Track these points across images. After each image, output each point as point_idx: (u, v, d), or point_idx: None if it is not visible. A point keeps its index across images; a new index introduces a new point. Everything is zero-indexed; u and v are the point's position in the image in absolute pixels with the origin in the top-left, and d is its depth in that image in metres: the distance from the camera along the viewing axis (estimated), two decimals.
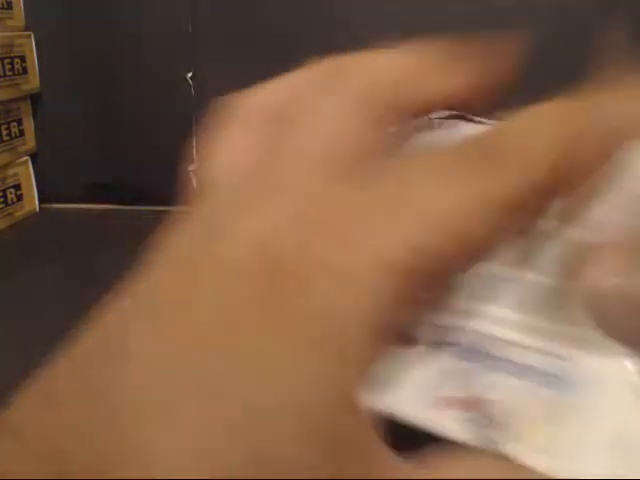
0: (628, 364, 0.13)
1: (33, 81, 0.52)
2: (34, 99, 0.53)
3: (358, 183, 0.11)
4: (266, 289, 0.10)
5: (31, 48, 0.51)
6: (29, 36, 0.51)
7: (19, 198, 0.51)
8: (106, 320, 0.10)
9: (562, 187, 0.11)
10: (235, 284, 0.10)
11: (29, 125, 0.53)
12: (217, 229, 0.11)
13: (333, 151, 0.11)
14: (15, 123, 0.50)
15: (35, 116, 0.53)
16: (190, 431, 0.09)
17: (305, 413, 0.10)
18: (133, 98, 0.53)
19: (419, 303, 0.11)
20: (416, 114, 0.13)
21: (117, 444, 0.09)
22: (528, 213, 0.11)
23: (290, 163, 0.11)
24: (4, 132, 0.49)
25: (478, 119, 0.43)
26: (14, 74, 0.49)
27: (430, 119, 0.18)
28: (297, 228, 0.10)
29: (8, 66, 0.48)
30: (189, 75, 0.52)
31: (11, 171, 0.50)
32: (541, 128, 0.11)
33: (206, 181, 0.12)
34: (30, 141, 0.53)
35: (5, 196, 0.49)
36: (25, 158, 0.52)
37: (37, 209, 0.53)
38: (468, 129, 0.19)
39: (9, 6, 0.49)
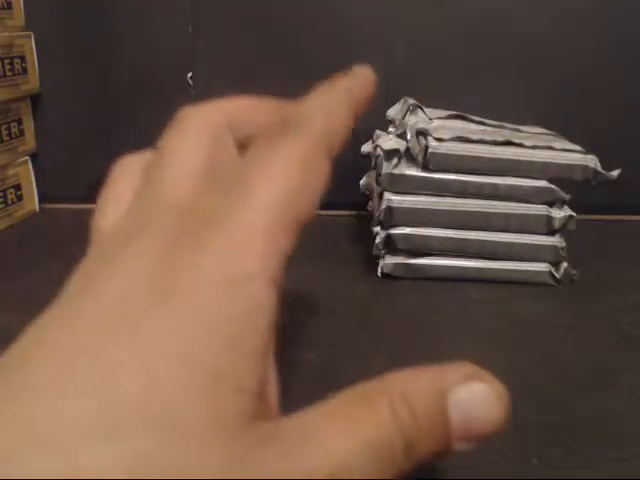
0: None
1: (33, 81, 0.52)
2: (34, 99, 0.53)
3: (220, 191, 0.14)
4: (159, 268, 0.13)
5: (31, 48, 0.51)
6: (29, 36, 0.51)
7: (19, 198, 0.51)
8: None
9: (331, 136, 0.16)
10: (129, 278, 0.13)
11: (29, 125, 0.53)
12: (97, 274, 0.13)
13: (184, 178, 0.15)
14: (15, 123, 0.50)
15: (35, 116, 0.53)
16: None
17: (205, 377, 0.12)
18: (133, 98, 0.53)
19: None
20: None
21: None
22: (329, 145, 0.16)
23: (147, 207, 0.15)
24: (4, 132, 0.49)
25: (478, 119, 0.44)
26: (14, 74, 0.49)
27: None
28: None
29: (8, 66, 0.48)
30: (189, 75, 0.52)
31: (11, 171, 0.50)
32: (317, 108, 0.16)
33: (95, 227, 0.16)
34: (30, 141, 0.53)
35: (5, 196, 0.49)
36: (25, 158, 0.52)
37: (37, 209, 0.53)
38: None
39: (9, 6, 0.49)
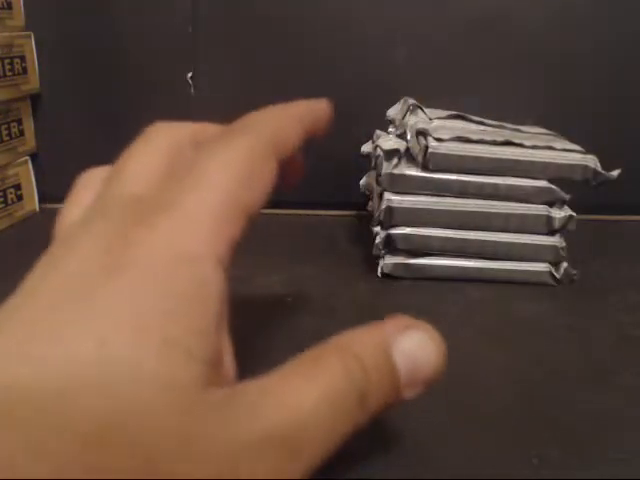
0: None
1: (33, 81, 0.52)
2: (34, 99, 0.53)
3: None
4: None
5: (31, 48, 0.51)
6: (29, 36, 0.51)
7: (19, 198, 0.51)
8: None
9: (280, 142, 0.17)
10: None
11: (29, 125, 0.53)
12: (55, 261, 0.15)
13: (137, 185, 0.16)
14: (15, 123, 0.50)
15: (35, 116, 0.53)
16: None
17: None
18: (133, 98, 0.53)
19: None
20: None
21: None
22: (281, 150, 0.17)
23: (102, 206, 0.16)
24: (4, 132, 0.49)
25: (478, 119, 0.44)
26: (14, 74, 0.49)
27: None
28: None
29: (8, 66, 0.48)
30: (189, 75, 0.52)
31: (11, 171, 0.50)
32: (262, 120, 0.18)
33: (57, 228, 0.17)
34: (30, 141, 0.53)
35: (5, 196, 0.49)
36: (25, 158, 0.52)
37: (37, 209, 0.53)
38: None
39: (9, 6, 0.49)
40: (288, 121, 0.18)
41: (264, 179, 0.16)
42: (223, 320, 0.14)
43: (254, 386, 0.13)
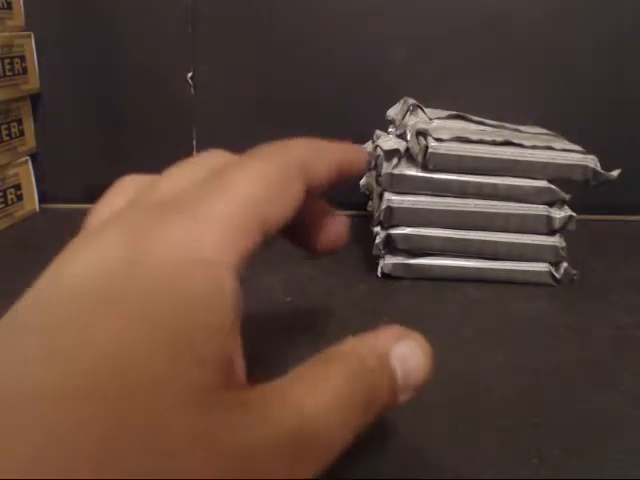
0: None
1: (33, 81, 0.52)
2: (34, 99, 0.53)
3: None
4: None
5: (31, 48, 0.51)
6: (29, 36, 0.51)
7: (19, 198, 0.51)
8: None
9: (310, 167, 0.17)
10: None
11: (29, 125, 0.53)
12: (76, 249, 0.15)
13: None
14: (15, 123, 0.50)
15: (35, 116, 0.53)
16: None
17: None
18: (133, 98, 0.53)
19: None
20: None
21: None
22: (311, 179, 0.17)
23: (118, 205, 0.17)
24: (4, 132, 0.49)
25: (478, 119, 0.44)
26: (14, 74, 0.49)
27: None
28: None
29: (8, 66, 0.48)
30: (189, 75, 0.52)
31: (11, 171, 0.50)
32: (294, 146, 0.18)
33: (86, 224, 0.18)
34: (30, 141, 0.53)
35: (5, 196, 0.49)
36: (25, 158, 0.52)
37: (37, 209, 0.53)
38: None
39: (9, 6, 0.49)
40: (322, 153, 0.18)
41: (289, 198, 0.16)
42: (235, 324, 0.14)
43: (266, 390, 0.14)
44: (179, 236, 0.14)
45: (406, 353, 0.16)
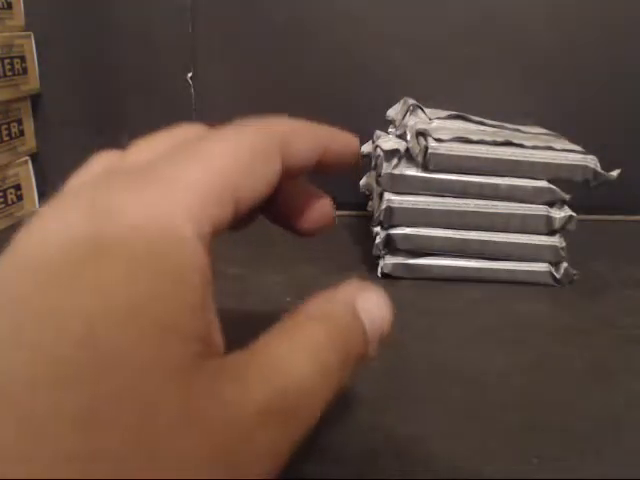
0: None
1: (33, 81, 0.52)
2: (34, 99, 0.53)
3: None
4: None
5: (31, 48, 0.51)
6: (29, 36, 0.51)
7: (19, 198, 0.51)
8: None
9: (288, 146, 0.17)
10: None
11: (29, 125, 0.53)
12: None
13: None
14: (15, 123, 0.50)
15: (35, 116, 0.53)
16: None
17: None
18: (133, 98, 0.53)
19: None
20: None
21: None
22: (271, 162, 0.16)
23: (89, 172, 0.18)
24: (4, 132, 0.49)
25: (478, 119, 0.44)
26: (14, 74, 0.49)
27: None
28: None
29: (8, 66, 0.48)
30: (189, 75, 0.52)
31: (11, 171, 0.50)
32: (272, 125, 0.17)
33: (63, 189, 0.18)
34: (30, 141, 0.53)
35: (5, 196, 0.49)
36: (25, 158, 0.52)
37: (37, 209, 0.53)
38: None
39: (9, 6, 0.49)
40: (305, 132, 0.18)
41: (265, 173, 0.16)
42: (210, 296, 0.14)
43: (247, 354, 0.13)
44: (144, 204, 0.13)
45: (369, 306, 0.16)
